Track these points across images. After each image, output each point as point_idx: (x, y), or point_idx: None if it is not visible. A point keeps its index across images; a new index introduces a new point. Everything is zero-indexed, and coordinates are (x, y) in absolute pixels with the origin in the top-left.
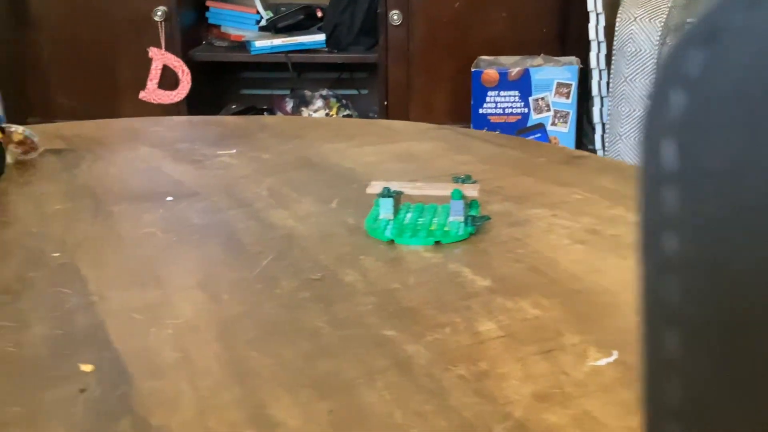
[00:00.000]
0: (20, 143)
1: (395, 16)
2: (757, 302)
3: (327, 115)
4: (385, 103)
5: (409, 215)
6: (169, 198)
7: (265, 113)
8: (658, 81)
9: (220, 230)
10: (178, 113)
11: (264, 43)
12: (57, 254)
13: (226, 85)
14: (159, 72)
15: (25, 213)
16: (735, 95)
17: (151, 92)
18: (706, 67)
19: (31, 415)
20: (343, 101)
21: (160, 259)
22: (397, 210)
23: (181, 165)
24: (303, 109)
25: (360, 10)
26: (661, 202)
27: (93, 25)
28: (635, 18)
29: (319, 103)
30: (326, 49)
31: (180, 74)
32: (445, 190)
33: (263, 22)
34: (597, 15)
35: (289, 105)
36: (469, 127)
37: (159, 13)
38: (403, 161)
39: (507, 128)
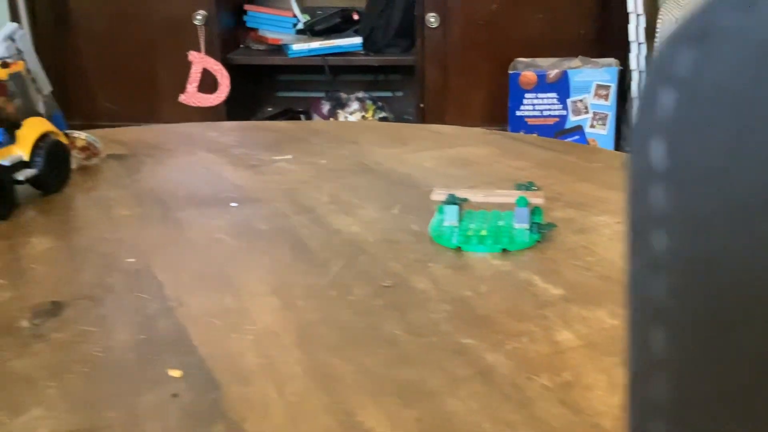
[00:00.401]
0: (83, 149)
1: (432, 19)
2: (744, 300)
3: (363, 117)
4: (421, 105)
5: (473, 223)
6: (234, 204)
7: (301, 116)
8: (647, 79)
9: (286, 236)
10: (217, 116)
11: (301, 47)
12: (132, 260)
13: (261, 87)
14: (199, 75)
15: (95, 218)
16: (724, 95)
17: (191, 95)
18: (696, 66)
19: (128, 420)
20: (379, 103)
21: (232, 265)
22: (461, 217)
23: (239, 170)
24: (339, 111)
25: (396, 13)
26: (650, 201)
27: (134, 28)
28: (676, 20)
29: (355, 105)
30: (363, 52)
31: (219, 77)
32: (509, 197)
33: (300, 26)
34: (637, 16)
35: (326, 107)
36: (506, 130)
37: (199, 17)
38: (459, 167)
39: (545, 131)
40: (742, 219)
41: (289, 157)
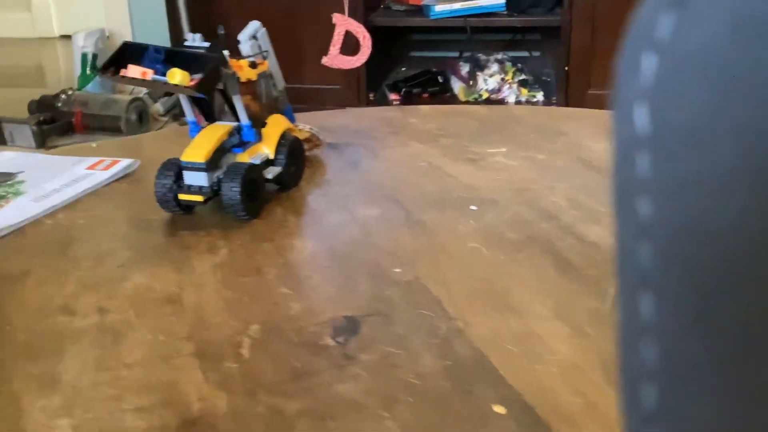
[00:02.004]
0: (307, 140)
1: None
2: (728, 263)
3: (502, 79)
4: (566, 68)
5: None
6: (473, 207)
7: (439, 77)
8: (628, 45)
9: (541, 248)
10: (357, 78)
11: (443, 8)
12: (398, 270)
13: (396, 47)
14: (341, 38)
15: (342, 220)
16: (705, 59)
17: (334, 58)
18: (677, 30)
19: None
20: (518, 65)
21: (499, 280)
22: None
23: (459, 164)
24: (478, 73)
25: None
26: (635, 167)
27: None
28: None
29: (494, 67)
30: (505, 12)
31: (361, 39)
32: None
33: None
34: None
35: (464, 69)
36: None
37: None
38: None
39: None
40: (726, 183)
41: (503, 150)
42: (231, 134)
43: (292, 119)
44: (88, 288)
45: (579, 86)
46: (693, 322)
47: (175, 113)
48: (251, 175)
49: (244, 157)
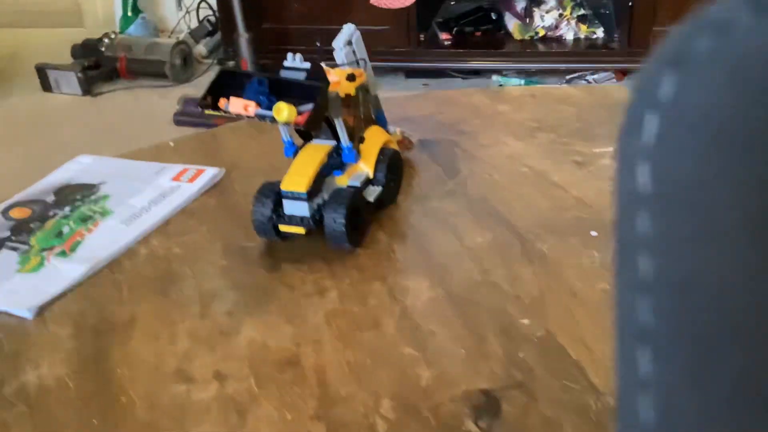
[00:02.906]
0: (399, 143)
1: None
2: (729, 318)
3: (560, 15)
4: (630, 3)
5: None
6: (593, 233)
7: (492, 13)
8: (631, 103)
9: None
10: (407, 18)
11: None
12: (526, 321)
13: None
14: None
15: (452, 247)
16: (706, 117)
17: None
18: (678, 90)
19: None
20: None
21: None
22: None
23: (564, 170)
24: (535, 9)
25: None
26: (635, 224)
27: None
28: None
29: (551, 2)
30: None
31: None
32: None
33: None
34: None
35: (519, 5)
36: None
37: None
38: None
39: None
40: (726, 240)
41: (611, 149)
42: (330, 155)
43: (384, 124)
44: (200, 343)
45: (644, 22)
46: (691, 376)
47: (219, 57)
48: (355, 203)
49: (344, 180)
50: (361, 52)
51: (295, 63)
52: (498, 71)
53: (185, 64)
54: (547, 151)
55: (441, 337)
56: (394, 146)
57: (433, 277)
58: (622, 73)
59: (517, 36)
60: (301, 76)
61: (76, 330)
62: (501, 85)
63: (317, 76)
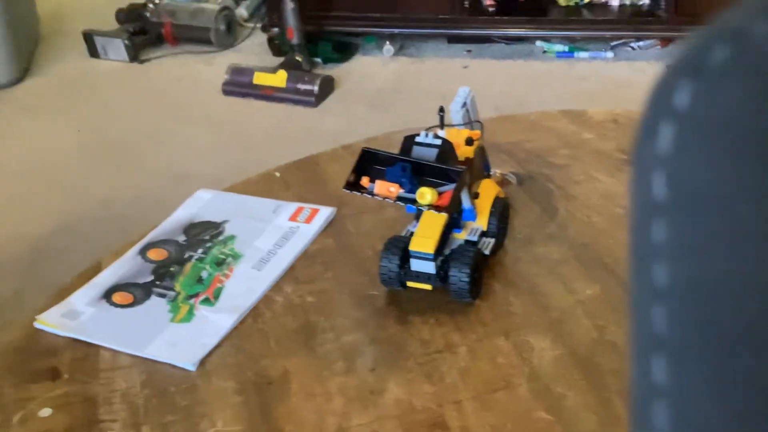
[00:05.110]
0: (499, 183)
1: None
2: (747, 325)
3: None
4: None
5: None
6: None
7: None
8: (647, 112)
9: None
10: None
11: None
12: None
13: None
14: None
15: (565, 303)
16: (723, 125)
17: None
18: (694, 98)
19: None
20: None
21: None
22: None
23: None
24: None
25: None
26: (651, 232)
27: None
28: None
29: None
30: None
31: None
32: None
33: None
34: None
35: None
36: None
37: None
38: None
39: None
40: (744, 247)
41: None
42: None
43: (488, 168)
44: (353, 402)
45: (687, 6)
46: (708, 384)
47: (264, 23)
48: (476, 259)
49: (462, 235)
50: (475, 113)
51: (427, 139)
52: (542, 38)
53: (229, 29)
54: None
55: (571, 401)
56: (501, 194)
57: (553, 334)
58: (666, 41)
59: (562, 2)
60: (433, 152)
61: (238, 384)
62: (545, 51)
63: (448, 155)
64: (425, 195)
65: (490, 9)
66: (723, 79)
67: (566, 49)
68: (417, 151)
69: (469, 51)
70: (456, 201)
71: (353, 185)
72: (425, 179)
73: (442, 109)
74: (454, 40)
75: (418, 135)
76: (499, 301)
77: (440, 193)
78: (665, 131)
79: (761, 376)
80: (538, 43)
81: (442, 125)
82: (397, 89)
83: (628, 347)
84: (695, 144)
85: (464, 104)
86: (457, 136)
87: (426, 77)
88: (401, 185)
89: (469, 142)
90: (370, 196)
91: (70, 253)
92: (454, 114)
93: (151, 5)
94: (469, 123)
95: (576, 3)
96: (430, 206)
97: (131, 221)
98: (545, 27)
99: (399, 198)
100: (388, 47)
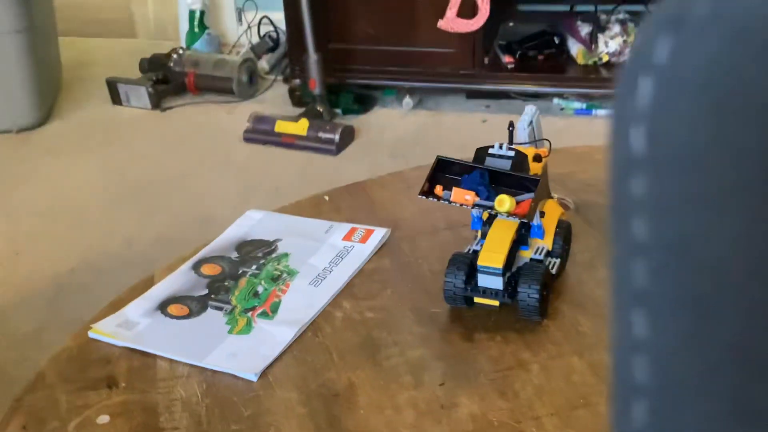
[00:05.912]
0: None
1: None
2: (725, 280)
3: (624, 42)
4: None
5: None
6: None
7: (555, 38)
8: (626, 68)
9: None
10: (473, 41)
11: None
12: None
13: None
14: (459, 0)
15: None
16: (703, 79)
17: (450, 21)
18: (674, 52)
19: None
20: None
21: None
22: None
23: None
24: (599, 35)
25: None
26: (630, 187)
27: None
28: None
29: (615, 29)
30: None
31: (479, 2)
32: None
33: None
34: None
35: (584, 30)
36: None
37: None
38: None
39: None
40: (723, 203)
41: None
42: (518, 230)
43: (548, 191)
44: (425, 416)
45: None
46: (687, 339)
47: (285, 74)
48: (546, 277)
49: (528, 253)
50: (540, 132)
51: (501, 151)
52: (560, 95)
53: (250, 80)
54: None
55: None
56: (564, 216)
57: None
58: None
59: (580, 61)
60: (506, 163)
61: (302, 395)
62: (562, 109)
63: (522, 166)
64: (504, 202)
65: (510, 66)
66: (703, 33)
67: (584, 106)
68: (490, 162)
69: (487, 106)
70: (534, 210)
71: (428, 193)
72: (500, 188)
73: (511, 124)
74: (472, 95)
75: (491, 147)
76: (567, 321)
77: (518, 202)
78: (644, 85)
79: (738, 329)
80: (555, 100)
81: (510, 140)
82: (417, 140)
83: (610, 301)
84: (674, 98)
85: (530, 122)
86: (522, 148)
87: (445, 129)
88: (477, 193)
89: (538, 158)
90: (447, 203)
91: (91, 290)
92: (521, 132)
93: (175, 56)
94: (535, 141)
95: (594, 62)
96: (509, 214)
97: (153, 260)
98: (563, 84)
99: (476, 205)
100: (408, 100)
